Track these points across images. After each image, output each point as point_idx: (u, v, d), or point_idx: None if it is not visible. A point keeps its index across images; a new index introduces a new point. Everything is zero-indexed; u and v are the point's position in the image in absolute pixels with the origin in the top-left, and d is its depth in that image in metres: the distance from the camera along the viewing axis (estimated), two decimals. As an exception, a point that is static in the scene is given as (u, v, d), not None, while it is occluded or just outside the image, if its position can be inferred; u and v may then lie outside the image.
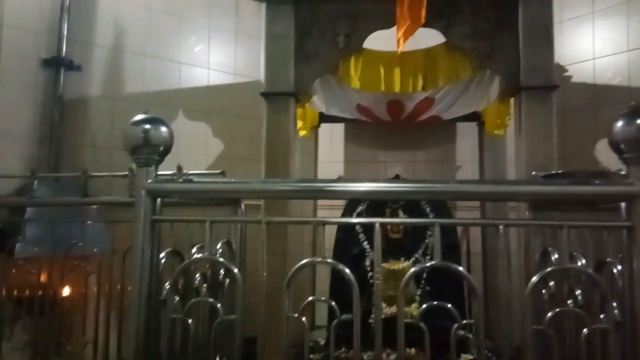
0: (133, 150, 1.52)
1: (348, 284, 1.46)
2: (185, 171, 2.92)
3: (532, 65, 3.17)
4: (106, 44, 3.68)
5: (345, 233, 4.05)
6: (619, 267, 1.65)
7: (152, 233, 1.53)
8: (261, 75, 3.53)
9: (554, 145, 3.15)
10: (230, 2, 4.26)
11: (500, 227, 1.47)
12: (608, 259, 1.73)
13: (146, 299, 1.53)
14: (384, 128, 4.78)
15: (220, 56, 4.28)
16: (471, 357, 3.35)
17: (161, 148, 1.51)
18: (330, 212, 4.51)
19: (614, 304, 1.43)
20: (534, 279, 1.44)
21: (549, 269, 1.53)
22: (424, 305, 1.58)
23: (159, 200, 1.56)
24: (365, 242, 3.95)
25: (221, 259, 1.66)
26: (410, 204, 4.09)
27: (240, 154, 4.21)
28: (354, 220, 3.74)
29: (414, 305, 3.79)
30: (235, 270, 1.53)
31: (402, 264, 3.79)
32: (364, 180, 1.52)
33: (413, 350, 3.38)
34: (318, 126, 4.46)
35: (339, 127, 4.90)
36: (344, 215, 4.17)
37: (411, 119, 3.83)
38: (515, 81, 3.22)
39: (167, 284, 1.67)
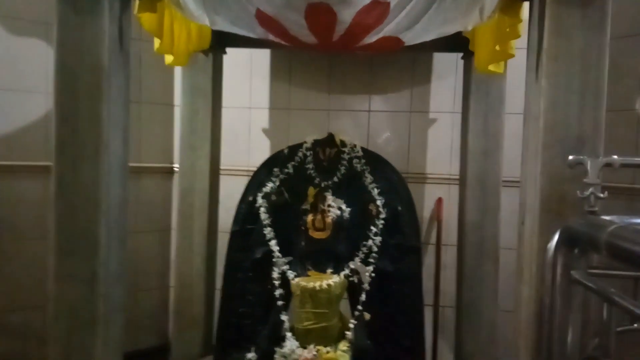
0: None
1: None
2: None
3: None
4: None
5: (245, 224, 2.59)
6: None
7: None
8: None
9: (603, 102, 1.63)
10: None
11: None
12: None
13: None
14: (325, 57, 3.20)
15: None
16: None
17: None
18: (231, 179, 3.05)
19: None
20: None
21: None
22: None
23: None
24: (274, 242, 2.50)
25: None
26: (349, 179, 2.62)
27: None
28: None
29: (343, 343, 2.42)
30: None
31: (328, 280, 2.37)
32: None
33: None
34: (222, 51, 2.86)
35: (263, 56, 3.31)
36: (246, 191, 2.69)
37: (351, 42, 2.24)
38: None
39: None
